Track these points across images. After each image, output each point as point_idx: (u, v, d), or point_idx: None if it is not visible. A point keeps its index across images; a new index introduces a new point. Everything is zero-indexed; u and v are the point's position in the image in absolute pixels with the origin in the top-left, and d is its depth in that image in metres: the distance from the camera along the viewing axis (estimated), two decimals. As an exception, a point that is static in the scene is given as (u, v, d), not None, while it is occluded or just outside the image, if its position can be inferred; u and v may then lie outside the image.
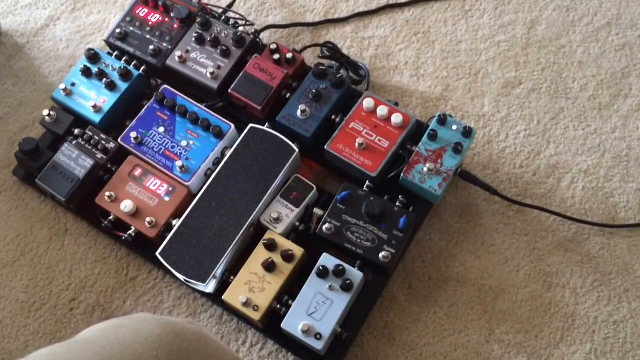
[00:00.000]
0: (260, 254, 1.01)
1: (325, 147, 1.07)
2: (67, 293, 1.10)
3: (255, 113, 1.13)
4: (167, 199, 1.06)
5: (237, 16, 1.25)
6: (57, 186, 1.08)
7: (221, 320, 1.07)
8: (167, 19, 1.19)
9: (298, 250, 1.01)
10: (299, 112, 1.08)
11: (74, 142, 1.11)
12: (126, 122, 1.13)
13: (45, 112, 1.13)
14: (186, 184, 1.07)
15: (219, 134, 1.09)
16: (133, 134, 1.09)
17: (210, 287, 1.01)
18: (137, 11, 1.21)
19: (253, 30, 1.21)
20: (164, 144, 1.09)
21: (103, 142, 1.10)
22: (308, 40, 1.29)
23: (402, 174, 1.04)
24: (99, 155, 1.10)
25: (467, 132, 1.06)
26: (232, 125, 1.10)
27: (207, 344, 0.71)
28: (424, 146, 1.06)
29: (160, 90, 1.13)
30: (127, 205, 1.05)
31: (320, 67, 1.12)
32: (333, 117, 1.09)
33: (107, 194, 1.06)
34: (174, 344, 0.65)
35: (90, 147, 1.10)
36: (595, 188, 1.13)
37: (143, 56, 1.17)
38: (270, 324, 1.00)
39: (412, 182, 1.04)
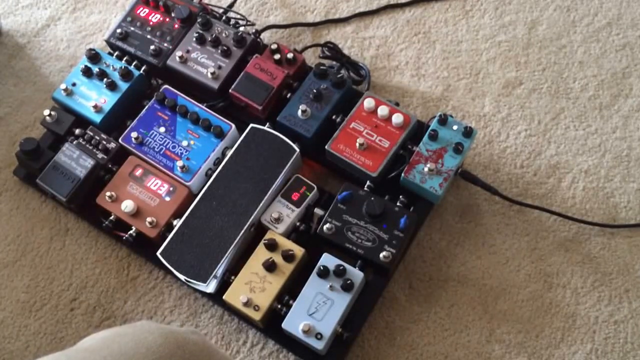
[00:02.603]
0: (260, 253, 1.01)
1: (325, 147, 1.07)
2: (67, 293, 1.10)
3: (256, 113, 1.13)
4: (167, 199, 1.06)
5: (238, 16, 1.25)
6: (57, 186, 1.08)
7: (222, 320, 1.07)
8: (167, 19, 1.19)
9: (299, 250, 1.01)
10: (299, 112, 1.08)
11: (74, 142, 1.11)
12: (127, 122, 1.13)
13: (46, 112, 1.13)
14: (187, 184, 1.07)
15: (220, 134, 1.09)
16: (134, 134, 1.09)
17: (210, 287, 1.01)
18: (138, 11, 1.21)
19: (254, 30, 1.21)
20: (165, 144, 1.10)
21: (104, 142, 1.10)
22: (309, 40, 1.29)
23: (402, 174, 1.04)
24: (100, 155, 1.10)
25: (468, 132, 1.06)
26: (233, 125, 1.10)
27: (210, 355, 0.70)
28: (424, 146, 1.06)
29: (160, 90, 1.13)
30: (127, 205, 1.05)
31: (321, 67, 1.12)
32: (334, 117, 1.09)
33: (108, 194, 1.06)
34: (176, 355, 0.65)
35: (91, 147, 1.10)
36: (596, 188, 1.13)
37: (144, 56, 1.17)
38: (271, 324, 1.00)
39: (412, 182, 1.04)
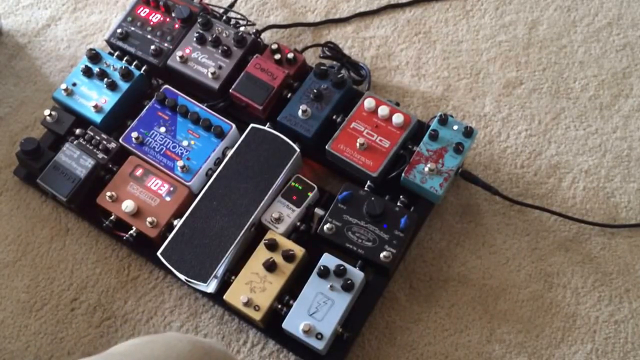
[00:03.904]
0: (261, 253, 1.01)
1: (326, 147, 1.07)
2: (68, 293, 1.10)
3: (257, 113, 1.13)
4: (168, 198, 1.06)
5: (238, 16, 1.25)
6: (58, 186, 1.08)
7: (222, 320, 1.07)
8: (168, 19, 1.19)
9: (299, 250, 1.01)
10: (300, 112, 1.08)
11: (75, 142, 1.11)
12: (127, 122, 1.13)
13: (47, 112, 1.13)
14: (187, 183, 1.07)
15: (220, 134, 1.09)
16: (134, 134, 1.09)
17: (211, 287, 1.01)
18: (138, 11, 1.21)
19: (254, 30, 1.21)
20: (165, 144, 1.10)
21: (104, 142, 1.10)
22: (309, 40, 1.29)
23: (403, 174, 1.04)
24: (100, 155, 1.10)
25: (468, 132, 1.06)
26: (233, 125, 1.10)
27: None
28: (425, 146, 1.06)
29: (161, 90, 1.13)
30: (128, 205, 1.05)
31: (321, 67, 1.12)
32: (334, 117, 1.09)
33: (108, 194, 1.06)
34: None
35: (91, 147, 1.10)
36: (596, 188, 1.13)
37: (144, 56, 1.17)
38: (271, 324, 1.00)
39: (413, 182, 1.04)
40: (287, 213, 1.04)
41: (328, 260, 1.00)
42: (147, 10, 1.20)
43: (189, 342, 0.69)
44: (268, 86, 1.11)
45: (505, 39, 1.26)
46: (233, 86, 1.12)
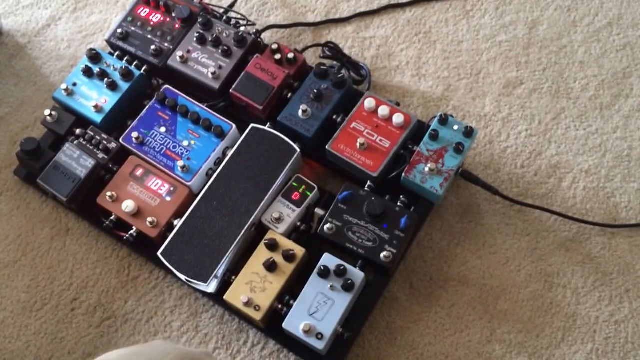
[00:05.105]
0: (261, 253, 1.01)
1: (326, 147, 1.07)
2: (68, 293, 1.10)
3: (257, 113, 1.13)
4: (168, 198, 1.06)
5: (239, 16, 1.25)
6: (58, 186, 1.08)
7: (222, 320, 1.07)
8: (168, 19, 1.19)
9: (299, 250, 1.01)
10: (300, 112, 1.08)
11: (75, 142, 1.11)
12: (127, 122, 1.13)
13: (47, 112, 1.13)
14: (187, 183, 1.07)
15: (221, 134, 1.09)
16: (134, 134, 1.09)
17: (211, 287, 1.01)
18: (139, 11, 1.21)
19: (254, 30, 1.21)
20: (166, 144, 1.10)
21: (104, 142, 1.10)
22: (309, 40, 1.29)
23: (403, 174, 1.04)
24: (101, 155, 1.10)
25: (468, 132, 1.06)
26: (234, 125, 1.10)
27: None
28: (425, 146, 1.06)
29: (161, 90, 1.13)
30: (128, 205, 1.05)
31: (322, 67, 1.12)
32: (334, 117, 1.09)
33: (109, 194, 1.06)
34: None
35: (91, 147, 1.10)
36: (597, 188, 1.13)
37: (144, 56, 1.17)
38: (272, 324, 1.00)
39: (413, 182, 1.04)
40: (287, 213, 1.04)
41: (328, 260, 1.00)
42: (148, 10, 1.20)
43: (177, 355, 0.67)
44: (268, 86, 1.11)
45: (506, 39, 1.26)
46: (233, 86, 1.12)
